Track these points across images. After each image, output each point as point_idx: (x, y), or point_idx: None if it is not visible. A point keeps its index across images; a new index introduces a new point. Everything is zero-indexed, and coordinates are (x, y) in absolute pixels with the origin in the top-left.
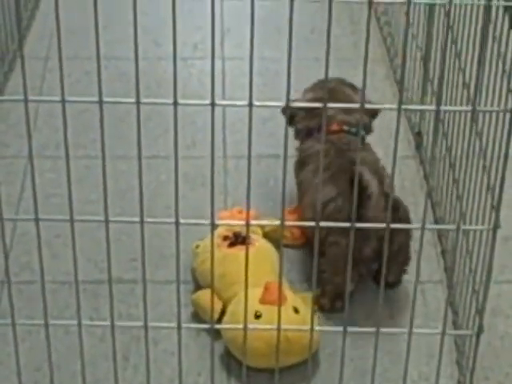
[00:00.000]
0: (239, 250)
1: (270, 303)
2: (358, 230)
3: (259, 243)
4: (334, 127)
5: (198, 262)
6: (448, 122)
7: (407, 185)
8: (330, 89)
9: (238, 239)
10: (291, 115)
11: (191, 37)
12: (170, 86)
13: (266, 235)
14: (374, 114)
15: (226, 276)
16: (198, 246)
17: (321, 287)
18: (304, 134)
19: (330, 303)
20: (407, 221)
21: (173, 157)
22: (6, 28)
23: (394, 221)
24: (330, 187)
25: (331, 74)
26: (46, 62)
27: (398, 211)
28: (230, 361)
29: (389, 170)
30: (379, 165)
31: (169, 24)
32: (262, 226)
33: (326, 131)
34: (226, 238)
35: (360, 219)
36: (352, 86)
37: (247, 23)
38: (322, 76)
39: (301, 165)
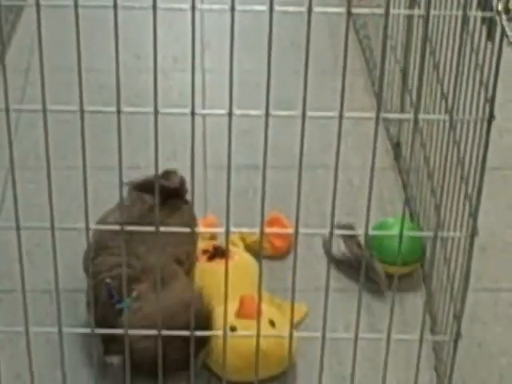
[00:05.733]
0: (217, 264)
1: (245, 317)
2: None
3: (239, 256)
4: None
5: None
6: (426, 132)
7: (386, 195)
8: None
9: (217, 252)
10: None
11: (171, 50)
12: (150, 98)
13: (247, 247)
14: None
15: (204, 290)
16: None
17: None
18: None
19: None
20: None
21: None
22: None
23: None
24: None
25: (310, 86)
26: (27, 74)
27: None
28: (211, 377)
29: (366, 181)
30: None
31: (149, 37)
32: (243, 239)
33: None
34: (205, 251)
35: None
36: None
37: (227, 36)
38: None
39: None
